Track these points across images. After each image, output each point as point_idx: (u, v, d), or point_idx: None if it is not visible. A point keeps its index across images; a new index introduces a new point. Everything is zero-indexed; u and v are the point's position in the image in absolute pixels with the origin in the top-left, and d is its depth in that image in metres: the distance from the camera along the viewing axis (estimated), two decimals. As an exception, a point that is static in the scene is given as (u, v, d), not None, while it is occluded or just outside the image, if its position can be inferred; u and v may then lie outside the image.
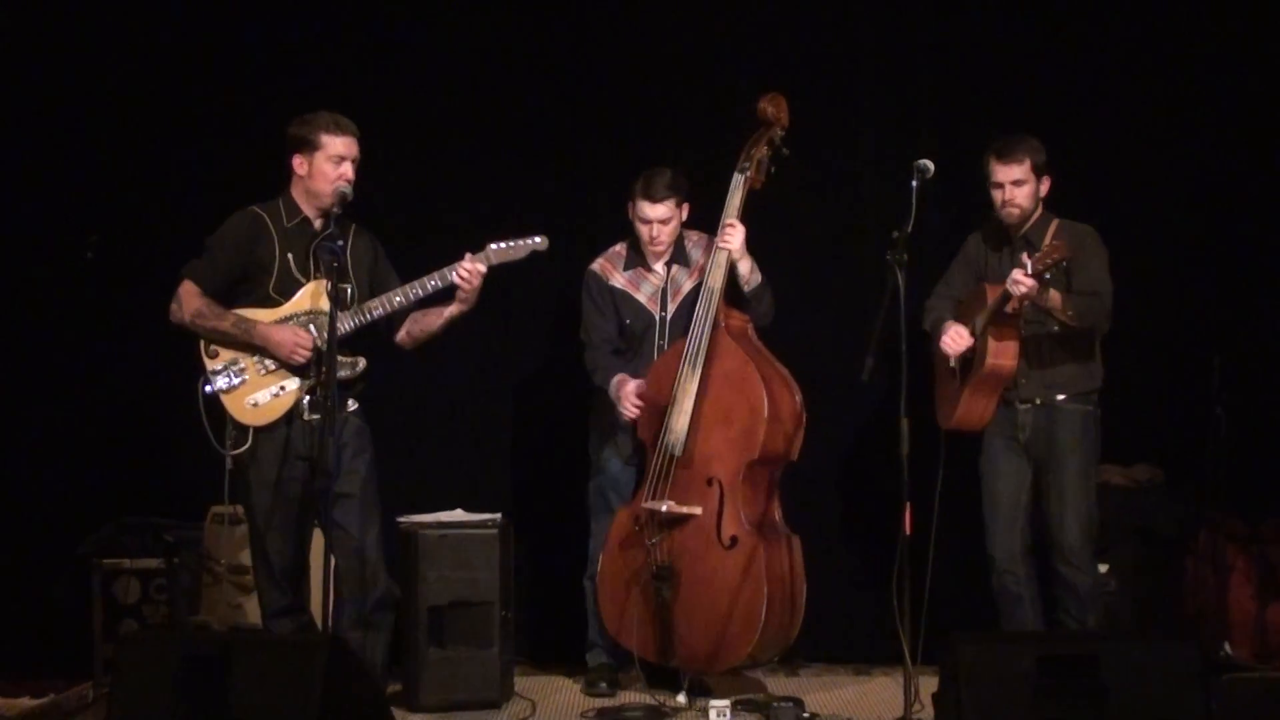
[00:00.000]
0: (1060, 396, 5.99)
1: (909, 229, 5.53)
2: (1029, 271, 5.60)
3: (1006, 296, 5.73)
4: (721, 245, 6.13)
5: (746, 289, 6.23)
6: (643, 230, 6.30)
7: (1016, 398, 6.01)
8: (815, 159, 6.97)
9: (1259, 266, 6.80)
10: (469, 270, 5.67)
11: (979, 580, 6.18)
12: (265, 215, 5.74)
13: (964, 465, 6.12)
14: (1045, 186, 6.01)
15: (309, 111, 5.76)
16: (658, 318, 6.36)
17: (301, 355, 5.61)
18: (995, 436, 6.09)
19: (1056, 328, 5.90)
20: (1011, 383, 5.97)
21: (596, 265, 6.42)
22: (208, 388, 5.64)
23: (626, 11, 7.08)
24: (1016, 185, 5.95)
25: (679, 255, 6.39)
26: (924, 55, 7.03)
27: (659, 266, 6.38)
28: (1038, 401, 6.00)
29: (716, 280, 6.12)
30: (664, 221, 6.26)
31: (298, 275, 5.72)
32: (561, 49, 7.10)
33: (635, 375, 6.28)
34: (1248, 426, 6.46)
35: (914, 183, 5.58)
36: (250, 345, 5.63)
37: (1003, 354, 5.87)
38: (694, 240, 6.41)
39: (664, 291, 6.36)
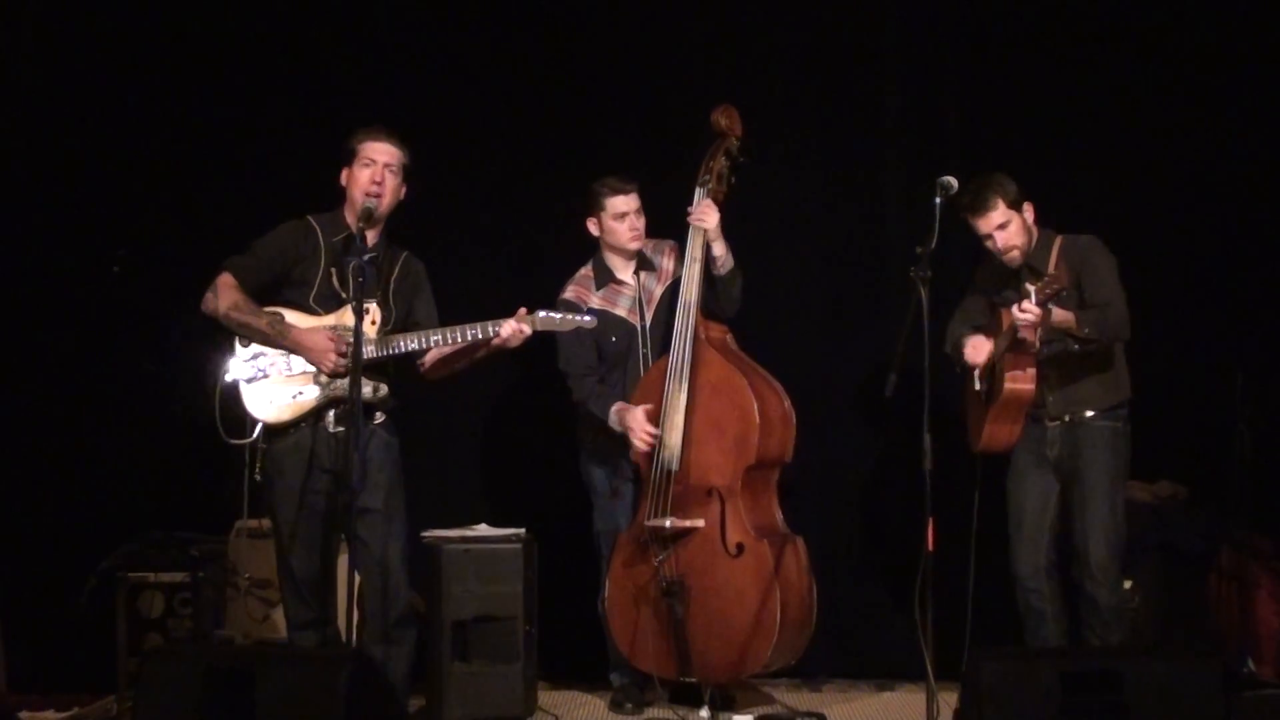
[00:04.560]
0: (1089, 413, 5.96)
1: (932, 245, 5.53)
2: (1033, 301, 5.57)
3: (1017, 327, 5.73)
4: (697, 223, 6.18)
5: (721, 271, 6.25)
6: (619, 227, 6.33)
7: (1045, 415, 5.99)
8: (840, 175, 6.99)
9: (1282, 282, 6.80)
10: (514, 331, 5.64)
11: (1011, 596, 6.16)
12: (317, 226, 5.76)
13: (995, 482, 6.11)
14: (1030, 213, 5.96)
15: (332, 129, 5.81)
16: (639, 327, 6.38)
17: (331, 360, 5.58)
18: (1024, 453, 6.07)
19: (1076, 346, 5.88)
20: (1040, 401, 5.95)
21: (569, 293, 6.42)
22: (228, 376, 5.65)
23: (641, 36, 7.12)
24: (1002, 229, 5.91)
25: (644, 263, 6.43)
26: (949, 70, 7.03)
27: (629, 277, 6.42)
28: (1065, 419, 5.98)
29: (692, 294, 6.15)
30: (638, 211, 6.33)
31: (338, 289, 5.72)
32: (559, 68, 7.15)
33: (623, 392, 6.31)
34: (1272, 443, 6.45)
35: (937, 199, 5.57)
36: (281, 346, 5.64)
37: (1020, 379, 5.86)
38: (652, 247, 6.46)
39: (639, 301, 6.40)
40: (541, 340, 5.83)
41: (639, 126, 7.07)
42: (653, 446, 6.13)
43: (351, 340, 5.44)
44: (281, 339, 5.62)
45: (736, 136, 6.25)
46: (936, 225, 5.54)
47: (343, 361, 5.57)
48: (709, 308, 6.27)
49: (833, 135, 7.01)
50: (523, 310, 5.68)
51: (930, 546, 5.39)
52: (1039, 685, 4.63)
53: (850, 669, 6.90)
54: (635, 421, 6.16)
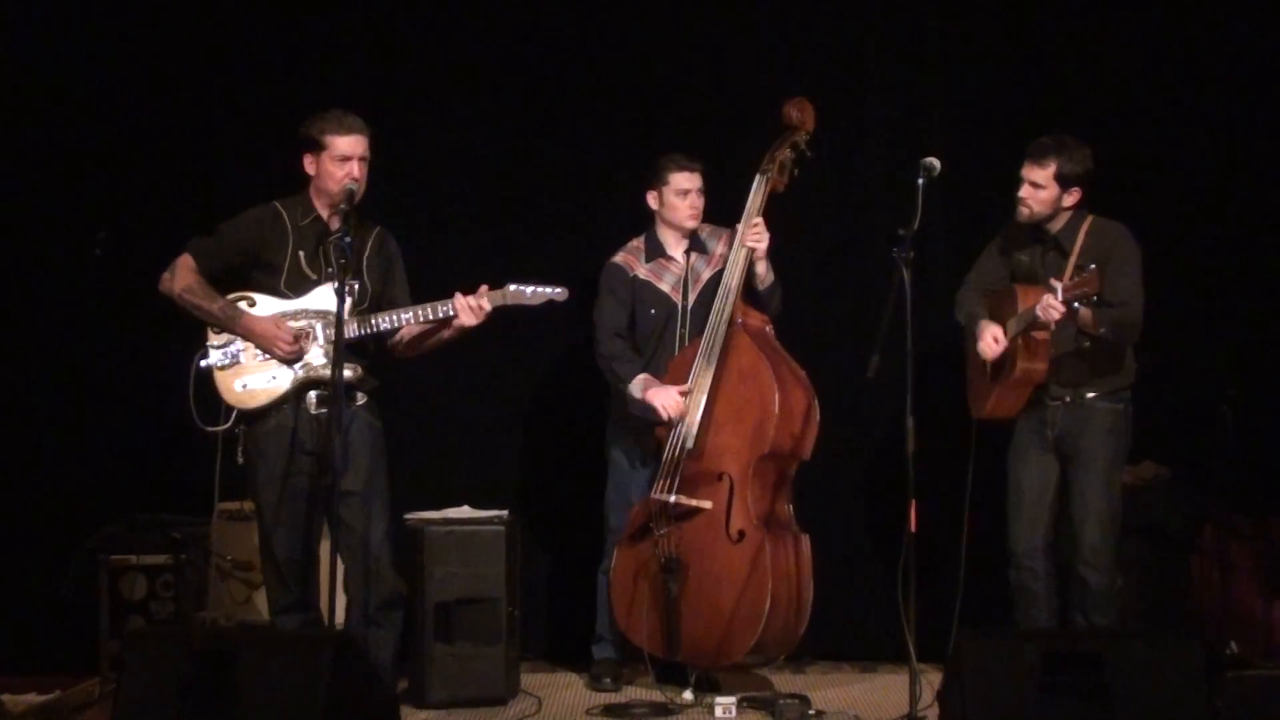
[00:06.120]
0: (1091, 394, 5.97)
1: (915, 226, 5.54)
2: (1059, 299, 5.57)
3: (1036, 314, 5.72)
4: (748, 243, 6.22)
5: (761, 287, 6.33)
6: (680, 203, 6.38)
7: (1047, 395, 5.98)
8: (822, 155, 6.96)
9: (1266, 263, 6.80)
10: (463, 307, 5.62)
11: (1000, 574, 6.17)
12: (284, 211, 5.74)
13: (988, 461, 6.11)
14: (1072, 198, 5.93)
15: (319, 108, 5.75)
16: (679, 306, 6.41)
17: (281, 348, 5.59)
18: (1025, 432, 6.07)
19: (1088, 343, 5.88)
20: (1044, 380, 5.96)
21: (618, 258, 6.48)
22: (202, 361, 5.64)
23: (635, 10, 7.09)
24: (1034, 187, 5.90)
25: (696, 244, 6.47)
26: (933, 52, 7.02)
27: (679, 255, 6.46)
28: (1068, 399, 5.97)
29: (734, 278, 6.21)
30: (700, 191, 6.39)
31: (308, 272, 5.70)
32: (576, 49, 7.11)
33: (656, 367, 6.33)
34: (1254, 424, 6.45)
35: (920, 180, 5.58)
36: (233, 332, 5.63)
37: (1034, 359, 5.86)
38: (708, 231, 6.50)
39: (685, 280, 6.43)
40: (524, 323, 5.81)
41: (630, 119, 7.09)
42: (682, 414, 6.14)
43: (303, 326, 5.56)
44: (232, 324, 5.63)
45: (807, 131, 6.31)
46: (919, 206, 5.54)
47: (292, 349, 5.59)
48: (748, 293, 6.32)
49: (816, 114, 6.99)
50: (484, 287, 5.64)
51: (913, 528, 5.40)
52: (1020, 665, 4.63)
53: (835, 651, 6.90)
54: (667, 390, 6.17)
